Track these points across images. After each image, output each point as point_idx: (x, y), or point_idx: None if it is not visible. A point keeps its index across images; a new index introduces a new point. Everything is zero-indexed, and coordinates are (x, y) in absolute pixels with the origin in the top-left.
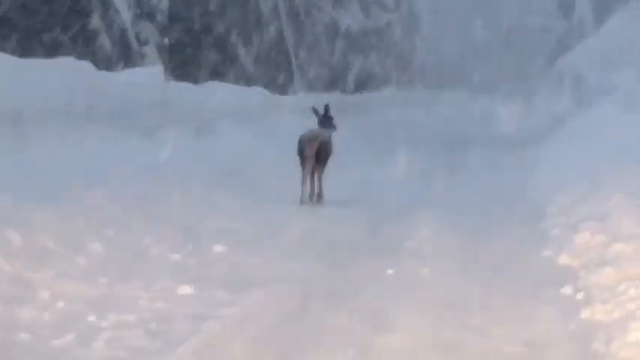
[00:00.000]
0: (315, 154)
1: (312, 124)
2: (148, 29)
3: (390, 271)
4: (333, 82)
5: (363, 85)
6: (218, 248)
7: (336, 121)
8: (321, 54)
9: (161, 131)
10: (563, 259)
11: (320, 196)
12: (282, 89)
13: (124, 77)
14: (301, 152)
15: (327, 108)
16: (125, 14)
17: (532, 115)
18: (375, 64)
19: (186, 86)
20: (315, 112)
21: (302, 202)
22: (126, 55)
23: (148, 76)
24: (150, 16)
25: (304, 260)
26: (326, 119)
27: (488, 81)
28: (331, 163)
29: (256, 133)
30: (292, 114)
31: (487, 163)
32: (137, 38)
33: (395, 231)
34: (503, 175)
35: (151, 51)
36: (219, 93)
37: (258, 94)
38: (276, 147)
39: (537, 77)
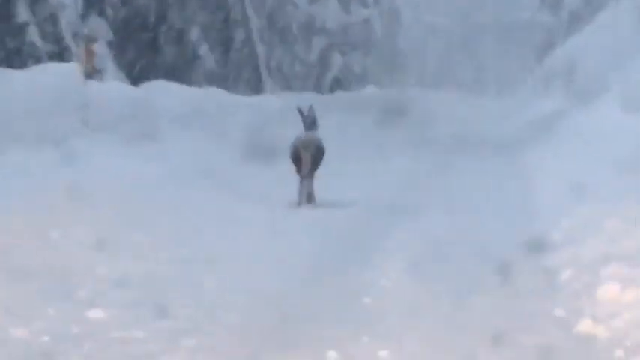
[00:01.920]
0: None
1: (274, 125)
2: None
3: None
4: (309, 81)
5: (340, 83)
6: None
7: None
8: (296, 52)
9: (74, 141)
10: (585, 327)
11: (311, 198)
12: (250, 90)
13: (26, 76)
14: (296, 158)
15: (311, 109)
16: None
17: (521, 115)
18: (354, 61)
19: (119, 87)
20: (300, 113)
21: (299, 204)
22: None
23: (60, 75)
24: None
25: None
26: (312, 121)
27: (475, 79)
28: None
29: (205, 139)
30: (253, 115)
31: (475, 170)
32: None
33: (354, 274)
34: (493, 185)
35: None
36: (163, 94)
37: (213, 95)
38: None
39: (525, 75)
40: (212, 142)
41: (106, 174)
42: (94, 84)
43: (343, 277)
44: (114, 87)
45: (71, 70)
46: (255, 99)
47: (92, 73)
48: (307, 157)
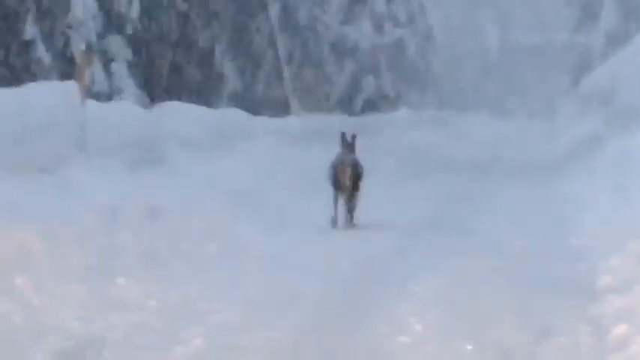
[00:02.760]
0: (352, 179)
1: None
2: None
3: None
4: (340, 103)
5: (372, 105)
6: None
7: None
8: (326, 73)
9: (68, 168)
10: None
11: (352, 219)
12: (277, 112)
13: (16, 95)
14: (336, 177)
15: (354, 137)
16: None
17: (557, 139)
18: (386, 83)
19: (124, 108)
20: (343, 137)
21: (333, 225)
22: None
23: (55, 94)
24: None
25: None
26: (350, 145)
27: (509, 102)
28: None
29: (219, 163)
30: (272, 138)
31: (510, 195)
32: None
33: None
34: (529, 212)
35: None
36: (175, 116)
37: (231, 116)
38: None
39: (561, 97)
40: (226, 167)
41: (98, 205)
42: (93, 104)
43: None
44: (118, 108)
45: (68, 88)
46: (276, 121)
47: (86, 91)
48: (347, 173)
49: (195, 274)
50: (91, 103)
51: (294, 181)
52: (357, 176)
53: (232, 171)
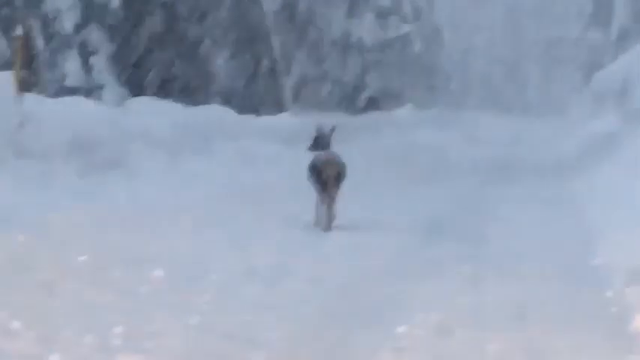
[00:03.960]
0: (335, 177)
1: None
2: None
3: None
4: (343, 101)
5: (375, 103)
6: None
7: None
8: (328, 69)
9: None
10: None
11: (331, 220)
12: (273, 110)
13: None
14: (319, 176)
15: (332, 129)
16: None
17: (569, 137)
18: (391, 80)
19: (77, 103)
20: (318, 131)
21: (316, 225)
22: None
23: None
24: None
25: None
26: (324, 140)
27: (519, 99)
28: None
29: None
30: (257, 137)
31: (524, 197)
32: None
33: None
34: (546, 214)
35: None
36: (144, 113)
37: (210, 114)
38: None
39: (573, 95)
40: (196, 170)
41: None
42: (32, 98)
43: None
44: (67, 103)
45: (2, 79)
46: (266, 120)
47: (31, 82)
48: (332, 176)
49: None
50: (35, 99)
51: (276, 184)
52: (340, 176)
53: (203, 175)
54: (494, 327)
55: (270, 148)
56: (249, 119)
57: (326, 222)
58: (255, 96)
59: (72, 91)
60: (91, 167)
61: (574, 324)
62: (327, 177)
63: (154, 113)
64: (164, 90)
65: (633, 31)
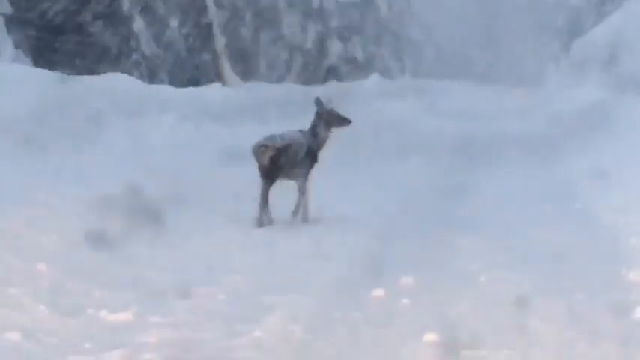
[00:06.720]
0: (278, 164)
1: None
2: None
3: None
4: (303, 71)
5: (337, 73)
6: None
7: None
8: (284, 36)
9: None
10: None
11: (296, 213)
12: (204, 81)
13: None
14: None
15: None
16: None
17: (549, 108)
18: (355, 48)
19: None
20: (318, 103)
21: (259, 224)
22: None
23: None
24: None
25: None
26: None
27: (495, 68)
28: None
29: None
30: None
31: (507, 175)
32: None
33: None
34: (528, 198)
35: None
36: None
37: (119, 84)
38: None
39: (552, 62)
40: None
41: None
42: None
43: None
44: None
45: None
46: (190, 91)
47: None
48: (264, 163)
49: None
50: None
51: (192, 169)
52: (277, 160)
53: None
54: None
55: (194, 125)
56: (167, 90)
57: (303, 214)
58: (184, 64)
59: None
60: None
61: None
62: (260, 164)
63: (18, 85)
64: (74, 57)
65: None
